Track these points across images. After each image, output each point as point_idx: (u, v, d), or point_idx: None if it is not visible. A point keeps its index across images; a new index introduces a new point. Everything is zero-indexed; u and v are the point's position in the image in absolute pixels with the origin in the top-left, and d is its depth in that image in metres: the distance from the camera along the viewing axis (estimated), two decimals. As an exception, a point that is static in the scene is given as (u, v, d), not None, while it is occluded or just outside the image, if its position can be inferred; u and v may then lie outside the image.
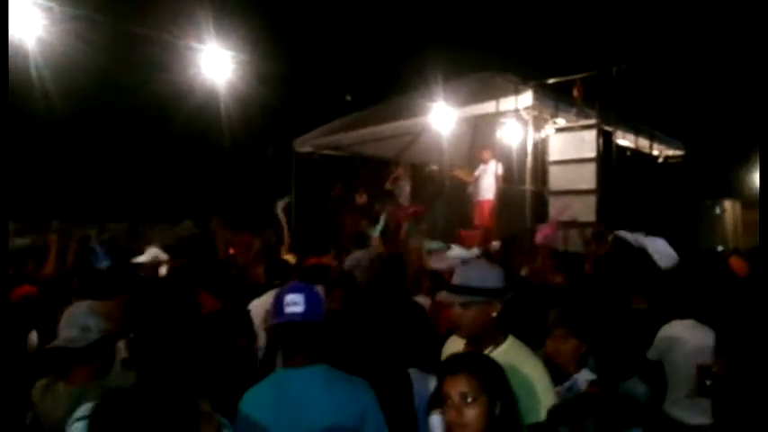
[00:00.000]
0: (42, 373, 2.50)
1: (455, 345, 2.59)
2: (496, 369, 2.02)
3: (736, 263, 5.55)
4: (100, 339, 2.37)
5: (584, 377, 2.89)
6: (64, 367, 2.41)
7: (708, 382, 2.88)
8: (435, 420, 2.02)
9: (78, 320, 2.40)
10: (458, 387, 1.93)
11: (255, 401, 2.28)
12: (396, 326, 3.10)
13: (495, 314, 2.41)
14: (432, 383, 2.53)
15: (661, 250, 4.77)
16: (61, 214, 10.96)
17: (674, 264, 4.69)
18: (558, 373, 2.78)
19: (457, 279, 2.47)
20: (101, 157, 11.12)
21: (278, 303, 2.35)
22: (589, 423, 1.69)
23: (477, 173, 10.66)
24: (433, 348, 2.82)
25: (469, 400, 1.91)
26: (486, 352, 2.35)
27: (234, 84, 8.74)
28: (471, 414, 1.90)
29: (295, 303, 2.31)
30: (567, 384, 2.86)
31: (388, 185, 11.86)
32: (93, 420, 1.34)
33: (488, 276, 2.44)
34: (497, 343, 2.43)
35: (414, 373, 2.84)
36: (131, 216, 11.62)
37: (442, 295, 2.54)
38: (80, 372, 2.38)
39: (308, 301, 2.31)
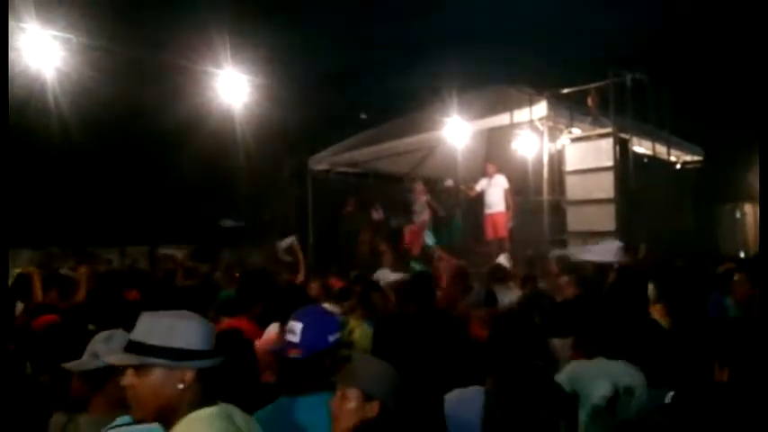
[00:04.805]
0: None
1: None
2: None
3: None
4: (108, 368, 2.17)
5: None
6: (81, 399, 2.37)
7: None
8: None
9: (91, 347, 2.36)
10: None
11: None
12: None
13: (182, 386, 1.67)
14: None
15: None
16: (82, 239, 11.12)
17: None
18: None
19: (135, 333, 1.72)
20: (119, 182, 11.25)
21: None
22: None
23: (478, 187, 10.58)
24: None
25: None
26: None
27: (250, 106, 8.83)
28: None
29: (292, 332, 2.25)
30: None
31: (416, 206, 11.58)
32: None
33: (180, 332, 1.69)
34: None
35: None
36: (151, 239, 11.73)
37: (114, 357, 1.83)
38: (98, 401, 2.32)
39: (306, 329, 2.24)
